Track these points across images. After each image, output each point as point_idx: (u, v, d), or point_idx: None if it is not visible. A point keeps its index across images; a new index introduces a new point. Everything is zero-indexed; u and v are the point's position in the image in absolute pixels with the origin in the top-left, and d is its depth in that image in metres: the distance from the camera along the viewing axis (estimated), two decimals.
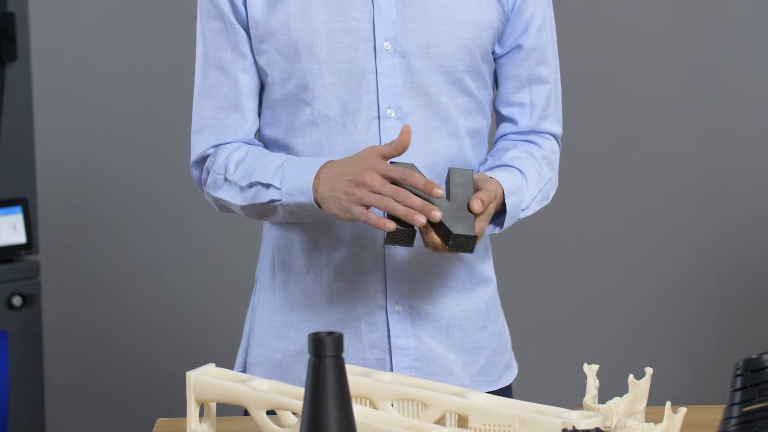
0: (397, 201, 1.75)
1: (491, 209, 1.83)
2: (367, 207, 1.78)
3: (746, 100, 3.79)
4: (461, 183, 1.81)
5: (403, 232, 1.74)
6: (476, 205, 1.78)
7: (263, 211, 1.92)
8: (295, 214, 1.89)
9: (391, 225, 1.74)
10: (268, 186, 1.89)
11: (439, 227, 1.77)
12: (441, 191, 1.76)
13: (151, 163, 3.69)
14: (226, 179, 1.94)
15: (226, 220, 3.64)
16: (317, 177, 1.84)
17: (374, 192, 1.77)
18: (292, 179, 1.86)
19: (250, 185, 1.90)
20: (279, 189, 1.87)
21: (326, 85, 1.92)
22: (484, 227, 1.81)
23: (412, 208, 1.75)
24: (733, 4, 3.77)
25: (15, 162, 2.99)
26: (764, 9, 3.78)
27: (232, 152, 1.95)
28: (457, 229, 1.75)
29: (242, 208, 1.93)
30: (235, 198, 1.93)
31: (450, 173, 1.83)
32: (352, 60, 1.92)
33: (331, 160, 1.86)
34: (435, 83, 1.94)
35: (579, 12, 3.72)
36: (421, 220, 1.74)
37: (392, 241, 1.75)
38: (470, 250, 1.75)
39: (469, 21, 1.94)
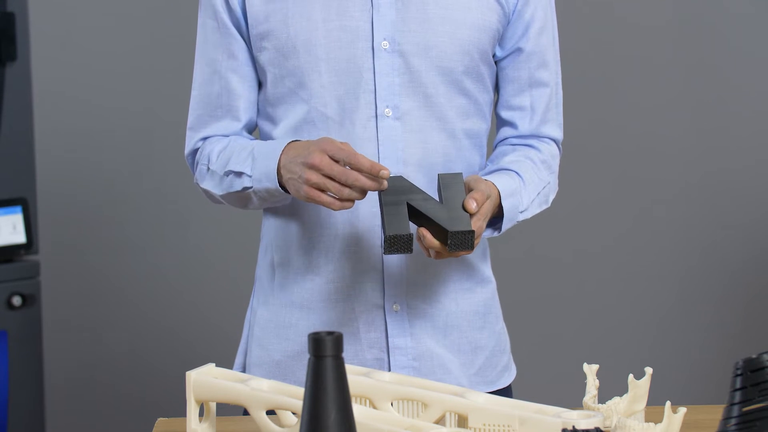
0: (343, 184, 1.78)
1: (486, 207, 1.83)
2: (322, 189, 1.80)
3: (747, 98, 3.79)
4: (452, 186, 1.82)
5: (401, 238, 1.75)
6: (471, 205, 1.79)
7: (241, 199, 1.95)
8: (266, 200, 1.92)
9: (349, 204, 1.78)
10: (240, 174, 1.91)
11: (436, 231, 1.77)
12: (388, 171, 1.77)
13: (151, 163, 3.69)
14: (209, 169, 1.97)
15: (226, 221, 3.64)
16: (279, 159, 1.86)
17: (324, 175, 1.78)
18: (259, 165, 1.88)
19: (226, 174, 1.93)
20: (250, 176, 1.89)
21: (323, 83, 1.93)
22: (482, 226, 1.82)
23: (363, 188, 1.77)
24: (732, 1, 3.77)
25: (15, 162, 2.99)
26: (763, 6, 3.78)
27: (217, 142, 1.98)
28: (453, 226, 1.75)
29: (222, 197, 1.96)
30: (215, 188, 1.96)
31: (440, 179, 1.84)
32: (350, 59, 1.92)
33: (292, 141, 1.87)
34: (433, 83, 1.94)
35: (576, 12, 3.72)
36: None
37: (390, 249, 1.76)
38: (470, 246, 1.76)
39: (468, 22, 1.94)
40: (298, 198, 1.84)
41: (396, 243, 1.76)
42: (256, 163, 1.89)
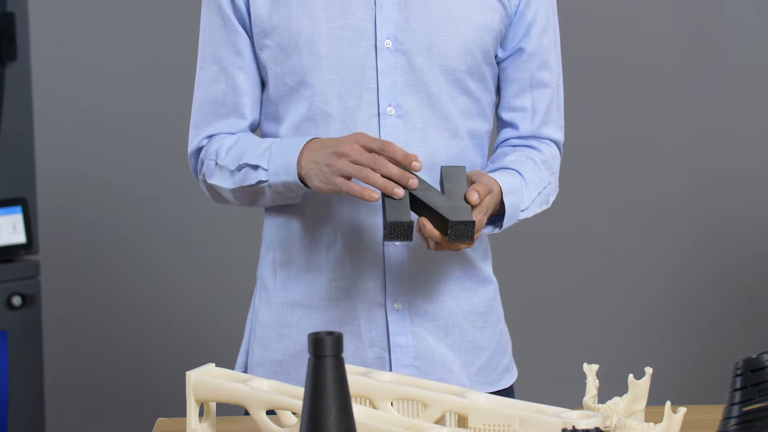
0: (374, 170, 1.77)
1: (488, 201, 1.83)
2: (349, 178, 1.79)
3: (745, 100, 3.79)
4: (454, 178, 1.83)
5: (401, 225, 1.75)
6: (473, 196, 1.79)
7: (252, 194, 1.93)
8: (282, 194, 1.91)
9: (376, 195, 1.76)
10: (256, 167, 1.90)
11: (437, 221, 1.77)
12: (420, 164, 1.78)
13: (152, 162, 3.69)
14: (217, 164, 1.96)
15: (227, 220, 3.64)
16: (301, 153, 1.85)
17: (354, 162, 1.78)
18: (278, 159, 1.87)
19: (239, 168, 1.92)
20: (266, 170, 1.88)
21: (325, 81, 1.93)
22: (483, 220, 1.82)
23: (390, 178, 1.76)
24: (731, 4, 3.77)
25: (15, 162, 2.99)
26: (763, 9, 3.78)
27: (224, 139, 1.98)
28: (454, 216, 1.76)
29: (232, 191, 1.94)
30: (225, 182, 1.95)
31: (442, 170, 1.85)
32: (353, 57, 1.92)
33: (316, 137, 1.87)
34: (436, 82, 1.94)
35: (577, 16, 3.72)
36: (399, 192, 1.76)
37: (390, 236, 1.75)
38: (470, 238, 1.76)
39: (471, 22, 1.94)
40: (322, 189, 1.82)
41: (396, 230, 1.75)
42: (273, 157, 1.88)
